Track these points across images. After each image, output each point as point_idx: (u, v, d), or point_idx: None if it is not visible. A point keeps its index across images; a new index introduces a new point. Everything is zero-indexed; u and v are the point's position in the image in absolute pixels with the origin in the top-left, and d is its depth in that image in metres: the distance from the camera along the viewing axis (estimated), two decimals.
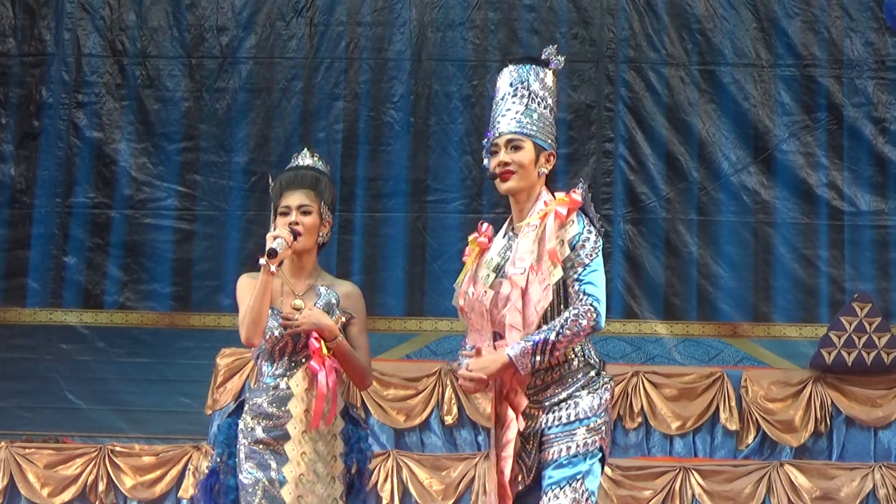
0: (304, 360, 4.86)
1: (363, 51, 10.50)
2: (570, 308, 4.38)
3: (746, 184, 10.21)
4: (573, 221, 4.45)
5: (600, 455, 4.42)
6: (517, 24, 10.45)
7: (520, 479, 4.45)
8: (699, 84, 10.33)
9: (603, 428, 4.40)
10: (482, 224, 4.74)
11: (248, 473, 4.77)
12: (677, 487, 8.05)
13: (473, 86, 10.39)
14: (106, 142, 10.43)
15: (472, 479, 8.17)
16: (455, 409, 8.56)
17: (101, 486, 8.34)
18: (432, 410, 8.58)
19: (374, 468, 8.14)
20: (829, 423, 8.52)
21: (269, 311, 4.82)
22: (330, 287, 4.98)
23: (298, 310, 4.85)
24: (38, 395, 9.99)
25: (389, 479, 8.16)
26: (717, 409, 8.53)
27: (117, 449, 8.50)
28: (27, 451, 8.47)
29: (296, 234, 4.85)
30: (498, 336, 4.48)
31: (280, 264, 4.84)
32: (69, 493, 8.36)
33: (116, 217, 10.36)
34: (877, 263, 10.08)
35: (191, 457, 8.36)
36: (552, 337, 4.32)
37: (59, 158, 10.40)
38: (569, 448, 4.37)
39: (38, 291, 10.26)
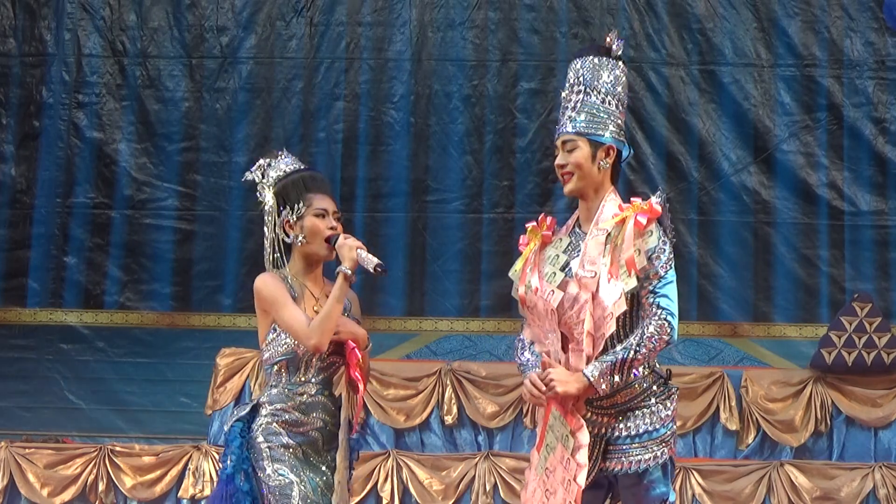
0: (328, 368, 4.79)
1: (363, 51, 10.50)
2: (645, 323, 4.33)
3: (746, 184, 10.21)
4: (651, 232, 4.39)
5: (670, 464, 4.38)
6: (517, 24, 10.45)
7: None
8: (699, 84, 10.33)
9: (670, 439, 4.38)
10: (545, 216, 4.66)
11: (278, 475, 4.65)
12: (677, 487, 8.05)
13: (473, 86, 10.39)
14: (106, 142, 10.43)
15: (473, 479, 8.17)
16: (455, 409, 8.56)
17: (101, 486, 8.34)
18: (432, 410, 8.58)
19: (374, 468, 8.15)
20: (829, 423, 8.52)
21: None
22: None
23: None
24: (38, 395, 10.00)
25: (389, 479, 8.15)
26: (718, 409, 8.53)
27: (117, 449, 8.50)
28: (27, 451, 8.47)
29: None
30: (565, 337, 4.41)
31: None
32: (69, 493, 8.36)
33: (116, 217, 10.36)
34: (877, 263, 10.08)
35: (191, 457, 8.36)
36: (630, 356, 4.27)
37: (59, 158, 10.40)
38: (640, 461, 4.35)
39: (38, 291, 10.26)
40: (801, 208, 10.16)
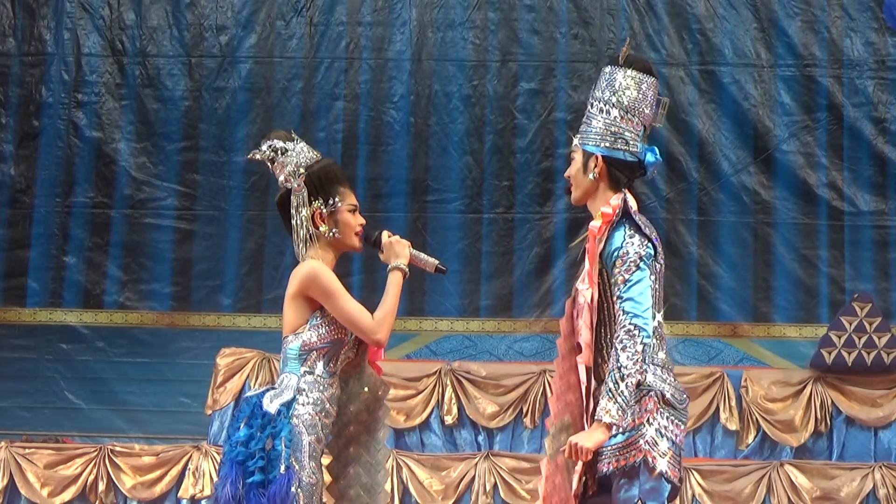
0: (344, 361, 4.73)
1: (363, 51, 10.49)
2: (616, 336, 4.34)
3: (746, 184, 10.22)
4: (607, 235, 4.42)
5: (645, 467, 4.34)
6: (517, 24, 10.45)
7: (589, 485, 4.43)
8: (699, 84, 10.33)
9: (640, 441, 4.33)
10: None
11: (311, 473, 4.57)
12: None
13: (473, 86, 10.39)
14: (106, 141, 10.43)
15: (473, 479, 8.17)
16: (455, 409, 8.56)
17: (101, 486, 8.35)
18: (432, 410, 8.59)
19: None
20: (829, 423, 8.53)
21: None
22: None
23: None
24: (38, 395, 9.99)
25: (389, 479, 8.15)
26: (718, 409, 8.54)
27: (117, 449, 8.50)
28: (27, 451, 8.47)
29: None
30: (580, 348, 4.46)
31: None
32: (69, 493, 8.37)
33: (116, 217, 10.35)
34: (877, 263, 10.09)
35: (191, 457, 8.36)
36: (617, 375, 4.27)
37: (58, 158, 10.39)
38: (608, 465, 4.35)
39: (38, 291, 10.26)
40: (801, 208, 10.16)
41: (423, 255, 4.78)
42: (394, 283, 4.73)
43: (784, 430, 8.50)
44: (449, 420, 8.55)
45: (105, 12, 10.55)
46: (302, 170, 4.78)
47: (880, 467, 8.18)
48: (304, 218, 4.76)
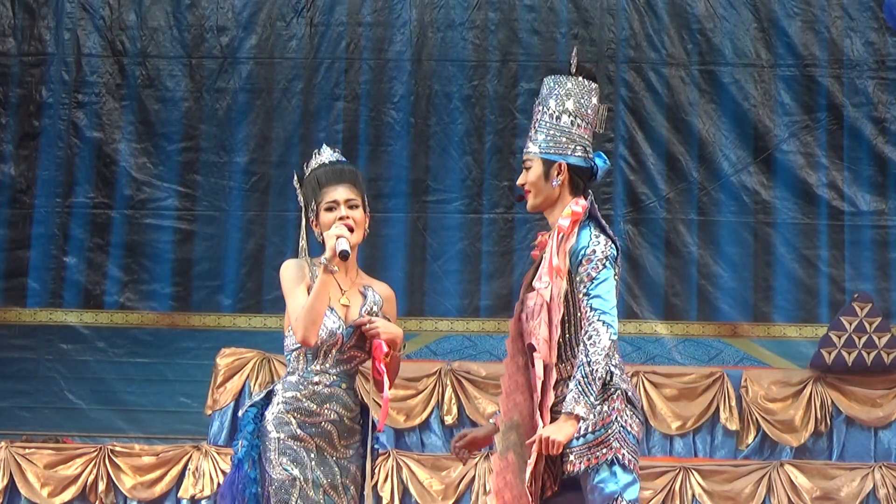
0: (348, 361, 4.73)
1: (363, 51, 10.50)
2: (583, 332, 4.42)
3: (746, 184, 10.22)
4: (575, 234, 4.53)
5: (617, 463, 4.42)
6: (517, 24, 10.45)
7: (547, 486, 4.50)
8: (699, 84, 10.33)
9: (611, 439, 4.42)
10: (539, 235, 4.75)
11: (282, 469, 4.60)
12: (677, 487, 8.06)
13: (473, 86, 10.40)
14: (106, 142, 10.43)
15: (472, 479, 8.17)
16: (455, 409, 8.57)
17: (101, 486, 8.35)
18: (432, 410, 8.59)
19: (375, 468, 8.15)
20: (829, 423, 8.54)
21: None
22: (371, 288, 4.84)
23: (346, 307, 4.73)
24: (38, 395, 10.00)
25: (389, 479, 8.16)
26: (717, 409, 8.54)
27: (117, 449, 8.50)
28: (27, 451, 8.47)
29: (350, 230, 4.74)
30: (533, 348, 4.53)
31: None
32: (69, 493, 8.36)
33: (116, 217, 10.36)
34: (877, 263, 10.09)
35: (191, 457, 8.37)
36: (587, 370, 4.36)
37: (59, 158, 10.40)
38: (580, 463, 4.42)
39: (38, 291, 10.26)
40: (801, 208, 10.17)
41: (335, 242, 4.69)
42: (318, 280, 4.65)
43: (784, 430, 8.50)
44: (449, 420, 8.56)
45: (105, 12, 10.55)
46: (297, 188, 4.88)
47: (880, 467, 8.17)
48: (302, 229, 4.84)
